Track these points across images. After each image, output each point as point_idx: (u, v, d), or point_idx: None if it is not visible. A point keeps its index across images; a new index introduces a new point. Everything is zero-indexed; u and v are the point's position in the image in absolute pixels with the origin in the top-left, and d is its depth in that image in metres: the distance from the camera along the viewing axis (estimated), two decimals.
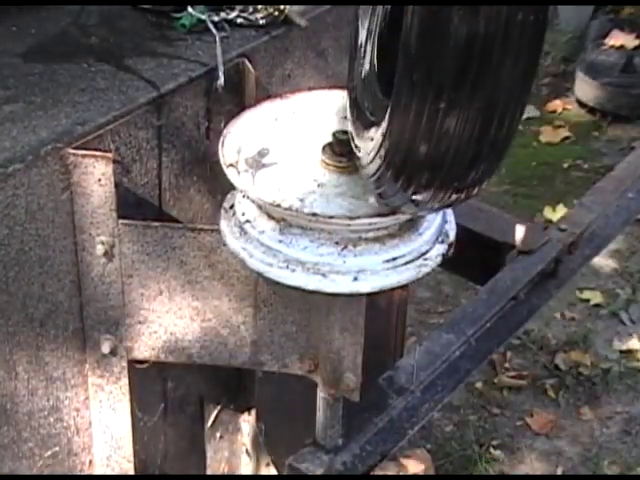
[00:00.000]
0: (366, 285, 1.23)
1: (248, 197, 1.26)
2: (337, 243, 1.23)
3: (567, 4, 4.36)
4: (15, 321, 1.34)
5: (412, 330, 2.80)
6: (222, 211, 1.32)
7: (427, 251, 1.27)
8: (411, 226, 1.26)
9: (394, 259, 1.25)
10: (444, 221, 1.30)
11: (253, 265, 1.25)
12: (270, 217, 1.25)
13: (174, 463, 1.72)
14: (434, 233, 1.29)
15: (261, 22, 1.55)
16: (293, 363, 1.39)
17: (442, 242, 1.29)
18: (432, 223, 1.28)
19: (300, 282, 1.23)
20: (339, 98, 1.36)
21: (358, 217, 1.20)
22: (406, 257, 1.25)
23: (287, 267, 1.23)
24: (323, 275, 1.22)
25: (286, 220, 1.23)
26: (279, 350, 1.39)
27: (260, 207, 1.25)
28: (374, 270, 1.23)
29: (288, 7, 1.57)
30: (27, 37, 1.52)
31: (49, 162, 1.29)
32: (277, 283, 1.25)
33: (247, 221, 1.26)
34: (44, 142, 1.29)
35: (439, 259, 1.28)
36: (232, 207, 1.31)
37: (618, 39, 4.26)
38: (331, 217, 1.20)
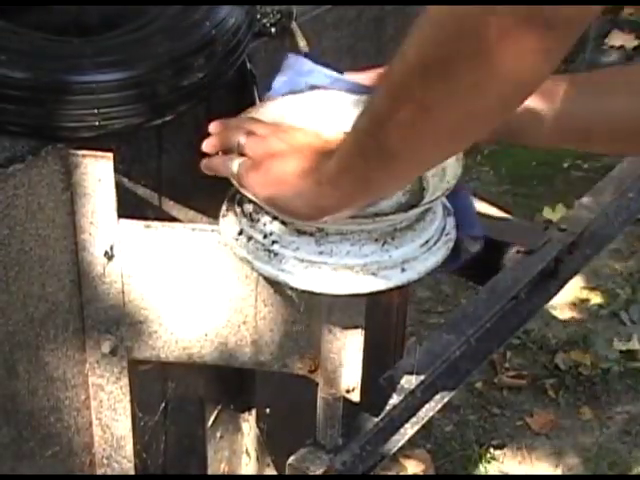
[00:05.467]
0: (413, 273, 1.24)
1: (267, 214, 1.25)
2: (377, 240, 1.23)
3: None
4: (15, 321, 1.34)
5: (412, 330, 2.80)
6: (225, 219, 1.31)
7: (444, 227, 1.30)
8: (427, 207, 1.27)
9: (427, 242, 1.27)
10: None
11: (300, 284, 1.23)
12: (300, 231, 1.23)
13: (174, 463, 1.72)
14: (441, 208, 1.32)
15: (272, 30, 1.55)
16: (293, 363, 1.39)
17: (449, 215, 1.33)
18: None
19: (355, 288, 1.22)
20: (339, 98, 1.36)
21: (401, 210, 1.22)
22: (434, 237, 1.28)
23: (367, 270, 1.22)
24: (374, 274, 1.22)
25: (322, 229, 1.22)
26: (279, 350, 1.39)
27: (285, 223, 1.24)
28: (414, 257, 1.25)
29: (293, 25, 1.57)
30: None
31: (49, 162, 1.29)
32: (336, 296, 1.24)
33: (274, 242, 1.24)
34: (44, 142, 1.29)
35: (454, 231, 1.31)
36: (242, 232, 1.28)
37: (618, 39, 4.26)
38: (376, 215, 1.20)
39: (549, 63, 0.85)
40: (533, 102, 1.24)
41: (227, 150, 1.22)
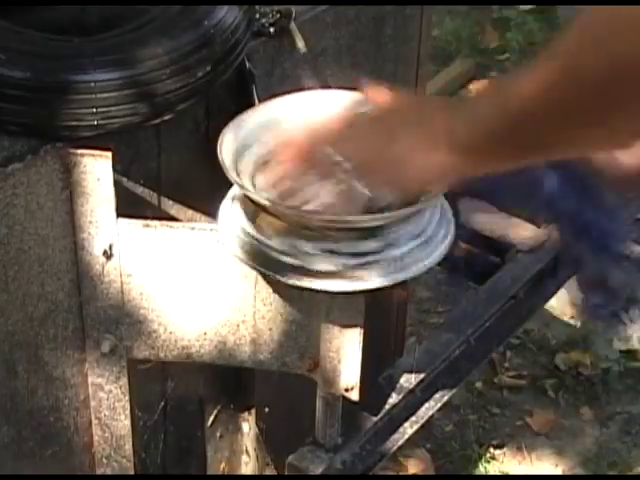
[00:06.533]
0: (411, 271, 1.26)
1: (266, 213, 1.24)
2: (375, 237, 1.24)
3: (568, 4, 4.36)
4: (14, 320, 1.34)
5: (412, 330, 2.79)
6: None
7: (443, 226, 1.32)
8: None
9: (425, 241, 1.28)
10: None
11: (298, 283, 1.23)
12: (299, 230, 1.23)
13: (174, 462, 1.72)
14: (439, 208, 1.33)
15: (271, 30, 1.55)
16: (293, 362, 1.39)
17: (448, 214, 1.34)
18: None
19: (353, 286, 1.22)
20: (339, 97, 1.36)
21: (399, 208, 1.22)
22: (433, 236, 1.30)
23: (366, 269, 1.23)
24: (372, 272, 1.23)
25: (321, 228, 1.22)
26: (278, 349, 1.39)
27: (285, 224, 1.23)
28: (413, 255, 1.26)
29: (292, 26, 1.57)
30: None
31: (48, 161, 1.30)
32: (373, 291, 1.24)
33: (273, 241, 1.24)
34: (43, 141, 1.29)
35: (452, 230, 1.32)
36: (241, 231, 1.28)
37: None
38: (374, 212, 1.20)
39: None
40: None
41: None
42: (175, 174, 1.50)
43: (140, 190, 1.46)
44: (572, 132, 0.94)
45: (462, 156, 1.04)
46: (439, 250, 1.28)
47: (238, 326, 1.39)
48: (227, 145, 1.30)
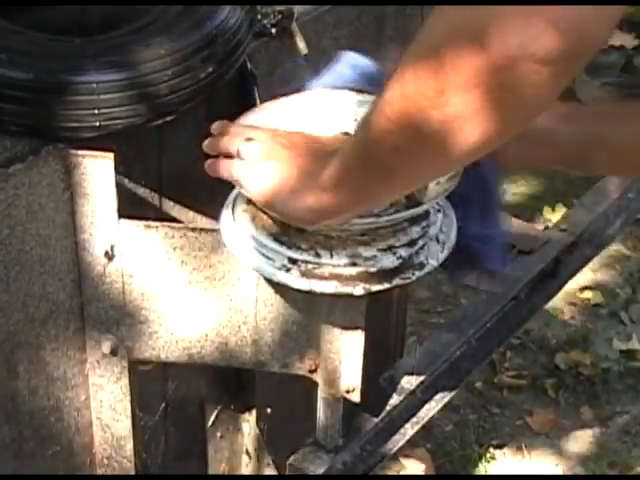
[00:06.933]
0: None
1: (266, 214, 1.24)
2: (374, 239, 1.23)
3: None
4: (16, 320, 1.34)
5: (412, 330, 2.80)
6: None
7: (441, 228, 1.31)
8: None
9: (424, 244, 1.28)
10: None
11: (300, 285, 1.23)
12: (299, 231, 1.23)
13: (174, 463, 1.72)
14: (437, 209, 1.32)
15: (273, 31, 1.55)
16: (294, 363, 1.39)
17: (446, 216, 1.32)
18: None
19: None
20: (340, 97, 1.36)
21: (399, 211, 1.22)
22: (432, 238, 1.29)
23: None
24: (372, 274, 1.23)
25: (321, 230, 1.22)
26: (279, 350, 1.39)
27: (285, 224, 1.23)
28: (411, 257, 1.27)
29: (294, 25, 1.57)
30: None
31: (50, 162, 1.30)
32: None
33: (274, 242, 1.24)
34: (45, 142, 1.29)
35: (453, 233, 1.31)
36: (242, 232, 1.27)
37: (618, 39, 4.26)
38: (375, 215, 1.20)
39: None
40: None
41: (227, 154, 1.23)
42: (177, 175, 1.50)
43: (141, 191, 1.46)
44: (408, 163, 0.97)
45: (321, 191, 1.07)
46: (438, 252, 1.28)
47: (239, 327, 1.39)
48: None
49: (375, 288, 1.22)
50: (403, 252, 1.23)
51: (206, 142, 1.24)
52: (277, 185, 1.13)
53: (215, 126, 1.26)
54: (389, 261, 1.23)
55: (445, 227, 1.31)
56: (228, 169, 1.20)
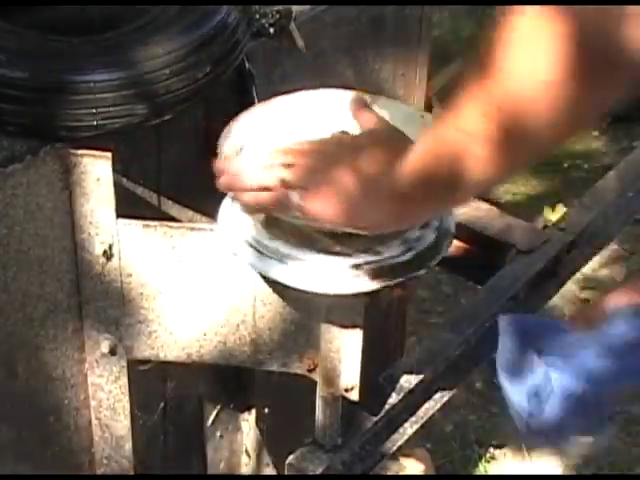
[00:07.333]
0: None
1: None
2: (374, 239, 1.24)
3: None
4: (14, 321, 1.34)
5: (412, 330, 2.79)
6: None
7: (441, 227, 1.34)
8: None
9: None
10: None
11: (298, 284, 1.23)
12: (298, 232, 1.24)
13: (174, 462, 1.72)
14: None
15: (271, 30, 1.55)
16: (292, 362, 1.39)
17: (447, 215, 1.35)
18: None
19: (353, 288, 1.23)
20: (339, 97, 1.36)
21: None
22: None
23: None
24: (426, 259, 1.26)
25: (321, 230, 1.23)
26: (278, 349, 1.39)
27: (285, 224, 1.23)
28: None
29: (292, 26, 1.57)
30: None
31: (48, 162, 1.30)
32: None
33: (273, 242, 1.25)
34: (43, 142, 1.29)
35: (452, 231, 1.35)
36: (240, 231, 1.27)
37: None
38: None
39: None
40: None
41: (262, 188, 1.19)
42: (175, 174, 1.50)
43: (140, 190, 1.46)
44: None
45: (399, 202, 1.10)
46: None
47: (238, 326, 1.39)
48: (227, 145, 1.30)
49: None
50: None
51: (222, 181, 1.22)
52: (350, 202, 1.12)
53: (218, 164, 1.24)
54: (431, 238, 1.28)
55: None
56: (285, 201, 1.16)
